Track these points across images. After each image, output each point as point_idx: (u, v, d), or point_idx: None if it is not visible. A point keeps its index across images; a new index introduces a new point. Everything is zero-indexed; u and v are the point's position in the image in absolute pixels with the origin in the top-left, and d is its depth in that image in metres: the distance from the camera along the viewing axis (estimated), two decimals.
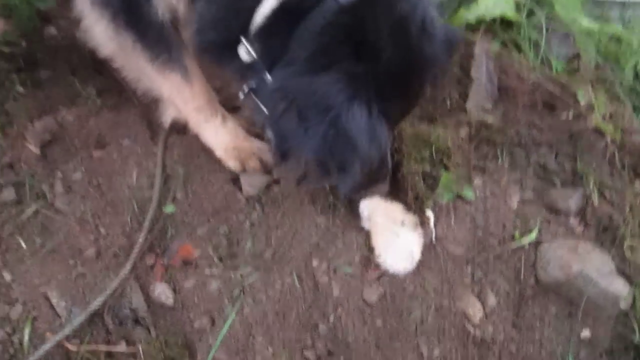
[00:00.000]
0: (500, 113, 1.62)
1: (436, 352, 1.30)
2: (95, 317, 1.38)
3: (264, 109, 1.19)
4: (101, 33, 1.40)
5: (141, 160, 1.56)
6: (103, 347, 1.37)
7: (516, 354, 1.33)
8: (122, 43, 1.39)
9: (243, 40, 1.18)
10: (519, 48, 1.72)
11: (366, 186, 1.30)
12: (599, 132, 1.50)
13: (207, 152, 1.56)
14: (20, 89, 1.77)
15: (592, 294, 1.33)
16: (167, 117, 1.57)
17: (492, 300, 1.34)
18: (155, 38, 1.39)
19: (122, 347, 1.37)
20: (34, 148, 1.60)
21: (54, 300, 1.40)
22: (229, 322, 1.34)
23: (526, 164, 1.54)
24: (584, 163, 1.48)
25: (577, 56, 1.69)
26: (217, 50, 1.25)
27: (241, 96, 1.25)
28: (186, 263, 1.44)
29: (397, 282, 1.37)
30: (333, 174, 1.14)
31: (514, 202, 1.47)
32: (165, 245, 1.46)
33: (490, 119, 1.58)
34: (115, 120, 1.64)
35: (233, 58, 1.20)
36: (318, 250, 1.42)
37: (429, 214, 1.44)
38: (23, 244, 1.47)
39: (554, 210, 1.45)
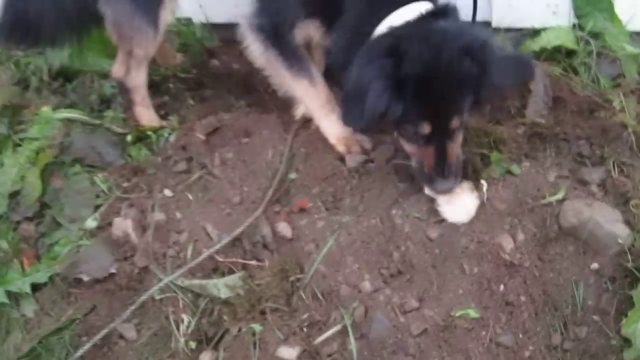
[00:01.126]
0: (552, 117, 2.83)
1: (475, 270, 2.45)
2: (237, 241, 2.70)
3: None
4: (256, 50, 2.81)
5: (275, 144, 2.94)
6: (240, 261, 2.68)
7: (539, 278, 2.43)
8: (269, 57, 2.80)
9: None
10: (575, 71, 2.95)
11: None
12: (624, 126, 2.66)
13: (322, 139, 2.92)
14: (191, 102, 3.30)
15: (600, 235, 2.43)
16: (299, 112, 2.93)
17: (521, 237, 2.47)
18: (291, 55, 2.78)
19: (254, 262, 2.68)
20: (200, 136, 3.07)
21: (209, 230, 2.74)
22: (327, 245, 2.59)
23: (567, 152, 2.70)
24: (610, 148, 2.64)
25: (621, 75, 2.88)
26: (344, 69, 2.53)
27: None
28: (302, 210, 2.74)
29: (452, 225, 2.57)
30: (348, 114, 2.38)
31: (552, 176, 2.63)
32: (288, 199, 2.80)
33: (543, 120, 2.80)
34: (258, 119, 3.07)
35: None
36: (396, 204, 2.66)
37: (483, 182, 2.64)
38: (190, 196, 2.87)
39: (582, 181, 2.58)
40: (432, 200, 2.56)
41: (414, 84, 2.25)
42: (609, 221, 2.35)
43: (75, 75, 3.48)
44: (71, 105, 3.29)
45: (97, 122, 3.14)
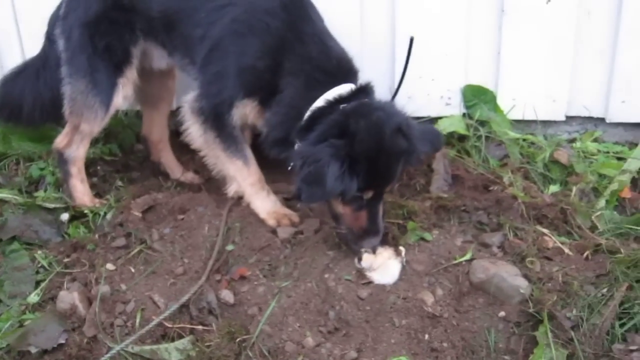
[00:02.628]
0: (453, 192, 3.38)
1: (404, 322, 2.87)
2: (183, 308, 2.97)
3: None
4: (195, 132, 3.11)
5: (211, 219, 3.27)
6: (188, 326, 2.95)
7: (457, 326, 2.86)
8: (207, 139, 3.10)
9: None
10: (468, 153, 3.54)
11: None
12: (514, 198, 3.24)
13: (254, 214, 3.30)
14: (119, 183, 3.58)
15: (504, 287, 2.92)
16: (231, 189, 3.23)
17: (439, 292, 2.93)
18: (229, 136, 3.11)
19: (200, 327, 2.96)
20: (137, 213, 3.35)
21: (155, 299, 3.01)
22: (271, 307, 2.91)
23: (469, 221, 3.24)
24: (505, 216, 3.20)
25: (506, 156, 3.50)
26: (279, 143, 2.99)
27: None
28: (242, 278, 3.06)
29: (380, 285, 2.99)
30: (308, 194, 2.67)
31: (459, 241, 3.14)
32: (228, 268, 3.12)
33: (446, 195, 3.34)
34: (191, 197, 3.40)
35: (289, 147, 2.95)
36: (328, 269, 3.04)
37: (402, 248, 3.10)
38: (132, 269, 3.12)
39: (484, 244, 3.11)
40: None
41: (364, 161, 2.66)
42: (511, 275, 2.85)
43: None
44: None
45: (30, 201, 3.29)
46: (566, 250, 2.99)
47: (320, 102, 2.85)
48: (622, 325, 2.70)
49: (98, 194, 3.43)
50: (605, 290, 2.78)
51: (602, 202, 3.21)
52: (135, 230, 3.18)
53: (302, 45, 2.92)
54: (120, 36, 3.23)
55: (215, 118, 3.03)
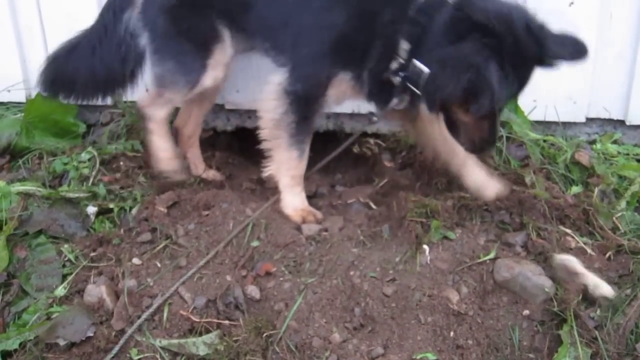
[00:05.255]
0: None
1: (429, 319, 2.93)
2: (210, 303, 3.03)
3: (416, 90, 2.76)
4: (273, 112, 3.05)
5: (235, 215, 3.34)
6: (215, 321, 3.02)
7: (482, 324, 2.93)
8: (282, 121, 3.04)
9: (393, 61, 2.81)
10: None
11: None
12: (537, 198, 3.31)
13: (280, 213, 3.37)
14: (142, 179, 3.64)
15: (528, 286, 2.99)
16: (268, 171, 3.24)
17: (464, 290, 3.00)
18: (306, 125, 3.09)
19: (227, 322, 3.03)
20: (161, 209, 3.41)
21: (182, 293, 3.08)
22: (297, 303, 2.98)
23: (491, 220, 3.31)
24: (527, 216, 3.27)
25: (527, 157, 3.57)
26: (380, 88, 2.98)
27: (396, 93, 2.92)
28: (268, 274, 3.13)
29: (404, 283, 3.07)
30: (475, 105, 2.45)
31: (482, 240, 3.21)
32: (253, 264, 3.19)
33: (467, 194, 3.40)
34: (216, 194, 3.45)
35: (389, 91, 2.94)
36: (353, 266, 3.11)
37: (425, 246, 3.18)
38: (158, 264, 3.19)
39: (507, 244, 3.18)
40: (383, 260, 3.02)
41: (512, 62, 2.48)
42: (535, 275, 2.92)
43: (22, 153, 3.68)
44: (23, 181, 3.47)
45: (55, 194, 3.35)
46: (589, 251, 3.06)
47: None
48: None
49: (121, 188, 3.44)
50: (628, 290, 2.85)
51: (623, 204, 3.28)
52: (161, 225, 3.23)
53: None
54: (204, 17, 3.21)
55: (307, 102, 3.04)
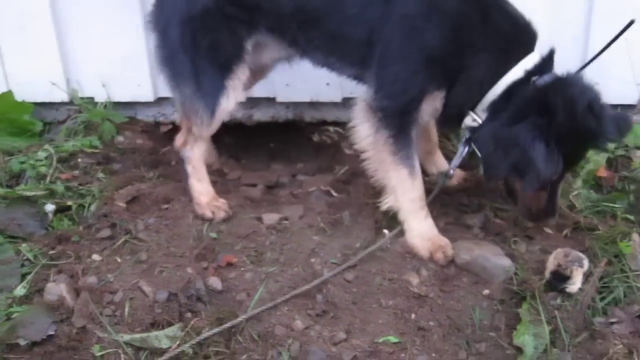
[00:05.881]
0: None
1: (391, 303, 2.95)
2: (172, 296, 3.01)
3: (477, 151, 2.78)
4: (364, 131, 2.90)
5: (194, 209, 3.36)
6: (177, 313, 3.01)
7: (443, 306, 2.94)
8: (377, 139, 2.87)
9: (472, 112, 2.84)
10: (447, 137, 3.64)
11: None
12: None
13: (239, 201, 3.36)
14: (101, 175, 3.62)
15: (488, 267, 3.02)
16: (387, 202, 3.02)
17: (424, 273, 3.00)
18: (403, 139, 2.85)
19: (189, 314, 3.02)
20: (121, 204, 3.39)
21: (144, 288, 3.06)
22: (259, 292, 2.98)
23: (450, 203, 3.34)
24: (485, 198, 3.30)
25: None
26: (451, 120, 2.97)
27: (462, 146, 2.99)
28: (229, 265, 3.13)
29: (365, 268, 3.08)
30: (525, 182, 2.58)
31: (441, 223, 3.24)
32: (215, 256, 3.18)
33: (426, 178, 3.43)
34: (175, 187, 3.46)
35: (458, 124, 2.94)
36: (314, 253, 3.12)
37: (385, 231, 3.20)
38: (119, 259, 3.17)
39: (466, 225, 3.22)
40: (344, 247, 3.03)
41: (564, 141, 2.54)
42: (494, 255, 2.95)
43: None
44: None
45: (12, 193, 3.32)
46: (546, 229, 3.06)
47: (517, 74, 2.74)
48: (602, 299, 2.82)
49: (80, 185, 3.41)
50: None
51: (579, 182, 3.34)
52: (120, 220, 3.22)
53: (485, 17, 2.75)
54: (232, 31, 3.02)
55: (399, 116, 2.86)
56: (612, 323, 2.72)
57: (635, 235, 2.94)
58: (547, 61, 2.75)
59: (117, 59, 3.92)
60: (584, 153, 2.85)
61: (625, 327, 2.69)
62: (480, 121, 2.81)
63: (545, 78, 2.67)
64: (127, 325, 2.84)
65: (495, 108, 2.75)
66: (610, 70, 3.65)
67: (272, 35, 3.07)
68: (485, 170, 2.74)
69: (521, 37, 2.78)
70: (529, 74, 2.70)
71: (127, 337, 2.78)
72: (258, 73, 3.39)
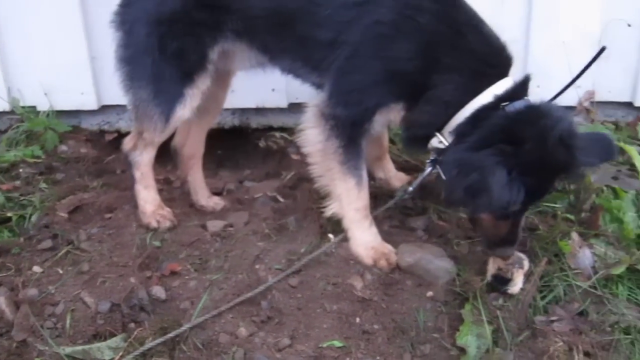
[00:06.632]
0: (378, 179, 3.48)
1: (335, 307, 2.94)
2: (115, 307, 2.97)
3: (442, 173, 2.68)
4: (314, 137, 2.81)
5: (138, 218, 3.32)
6: (120, 324, 2.97)
7: (387, 309, 2.94)
8: (327, 147, 2.78)
9: (438, 134, 2.75)
10: (392, 141, 3.66)
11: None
12: (437, 183, 3.36)
13: (182, 208, 3.33)
14: (43, 185, 3.57)
15: (431, 269, 3.03)
16: (331, 209, 2.98)
17: (369, 277, 3.01)
18: (353, 148, 2.78)
19: (132, 324, 2.98)
20: (63, 214, 3.34)
21: (86, 299, 3.02)
22: (203, 300, 2.96)
23: (394, 207, 3.35)
24: (429, 201, 3.32)
25: None
26: (417, 141, 2.93)
27: (427, 167, 2.93)
28: (173, 273, 3.11)
29: (310, 273, 3.07)
30: (473, 205, 2.55)
31: (386, 226, 3.26)
32: (158, 265, 3.15)
33: (372, 182, 3.44)
34: (118, 196, 3.42)
35: (424, 145, 2.85)
36: (258, 260, 3.11)
37: (331, 235, 3.20)
38: (60, 271, 3.12)
39: (410, 229, 3.24)
40: (289, 253, 3.03)
41: (530, 172, 2.43)
42: (437, 257, 2.97)
43: None
44: None
45: None
46: None
47: (485, 99, 2.66)
48: (543, 298, 2.86)
49: (21, 196, 3.35)
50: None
51: None
52: (62, 231, 3.18)
53: (459, 36, 2.67)
54: (198, 38, 2.94)
55: (350, 126, 2.78)
56: (552, 321, 2.75)
57: (574, 234, 2.97)
58: (519, 87, 2.68)
59: (59, 66, 3.86)
60: (553, 184, 2.72)
61: (565, 324, 2.72)
62: (446, 143, 2.73)
63: (516, 105, 2.60)
64: (68, 337, 2.79)
65: (461, 131, 2.66)
66: (550, 73, 3.70)
67: (240, 41, 3.00)
68: (446, 193, 2.69)
69: (494, 60, 2.71)
70: (499, 100, 2.62)
71: (68, 349, 2.73)
72: (222, 82, 3.36)
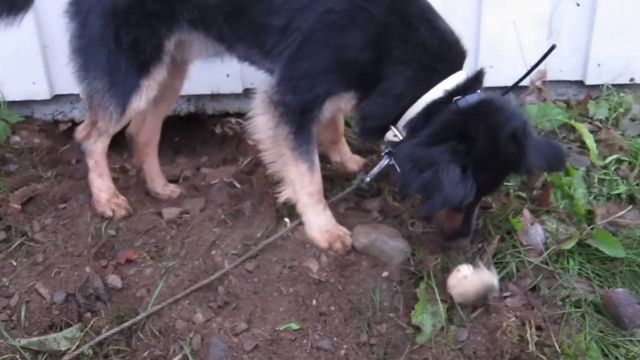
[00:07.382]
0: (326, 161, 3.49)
1: (291, 290, 2.96)
2: (70, 297, 2.96)
3: (397, 167, 2.69)
4: (263, 123, 2.82)
5: (93, 207, 3.30)
6: (75, 314, 2.95)
7: (343, 290, 2.96)
8: (277, 133, 2.79)
9: (393, 127, 2.75)
10: (347, 124, 3.66)
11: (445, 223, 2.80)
12: None
13: (138, 196, 3.32)
14: None
15: (386, 249, 3.05)
16: (284, 194, 2.99)
17: (324, 259, 3.02)
18: (303, 135, 2.78)
19: (88, 314, 2.96)
20: (16, 205, 3.30)
21: (41, 290, 2.99)
22: (159, 288, 2.95)
23: (351, 190, 3.37)
24: (384, 182, 3.34)
25: None
26: (372, 133, 2.92)
27: (384, 159, 2.90)
28: (129, 261, 3.08)
29: (266, 257, 3.07)
30: (427, 203, 2.52)
31: (341, 209, 3.28)
32: (114, 253, 3.13)
33: (329, 165, 3.45)
34: (72, 185, 3.39)
35: (380, 137, 2.86)
36: (215, 245, 3.10)
37: (287, 219, 3.20)
38: (14, 263, 3.09)
39: (365, 210, 3.26)
40: (244, 238, 3.03)
41: (482, 168, 2.50)
42: (392, 237, 2.99)
43: None
44: None
45: None
46: None
47: (437, 93, 2.66)
48: None
49: None
50: (480, 244, 2.96)
51: None
52: (15, 222, 3.15)
53: (410, 29, 2.66)
54: (154, 29, 2.92)
55: (300, 113, 2.77)
56: (505, 297, 2.78)
57: (526, 212, 3.01)
58: (472, 80, 2.69)
59: (9, 56, 3.79)
60: (504, 179, 2.80)
61: (518, 300, 2.76)
62: (401, 137, 2.74)
63: (469, 99, 2.61)
64: (24, 329, 2.78)
65: (414, 126, 2.68)
66: (502, 53, 3.73)
67: (197, 30, 2.99)
68: (400, 186, 2.67)
69: (447, 54, 2.71)
70: (451, 94, 2.63)
71: (24, 341, 2.71)
72: (179, 72, 3.35)
